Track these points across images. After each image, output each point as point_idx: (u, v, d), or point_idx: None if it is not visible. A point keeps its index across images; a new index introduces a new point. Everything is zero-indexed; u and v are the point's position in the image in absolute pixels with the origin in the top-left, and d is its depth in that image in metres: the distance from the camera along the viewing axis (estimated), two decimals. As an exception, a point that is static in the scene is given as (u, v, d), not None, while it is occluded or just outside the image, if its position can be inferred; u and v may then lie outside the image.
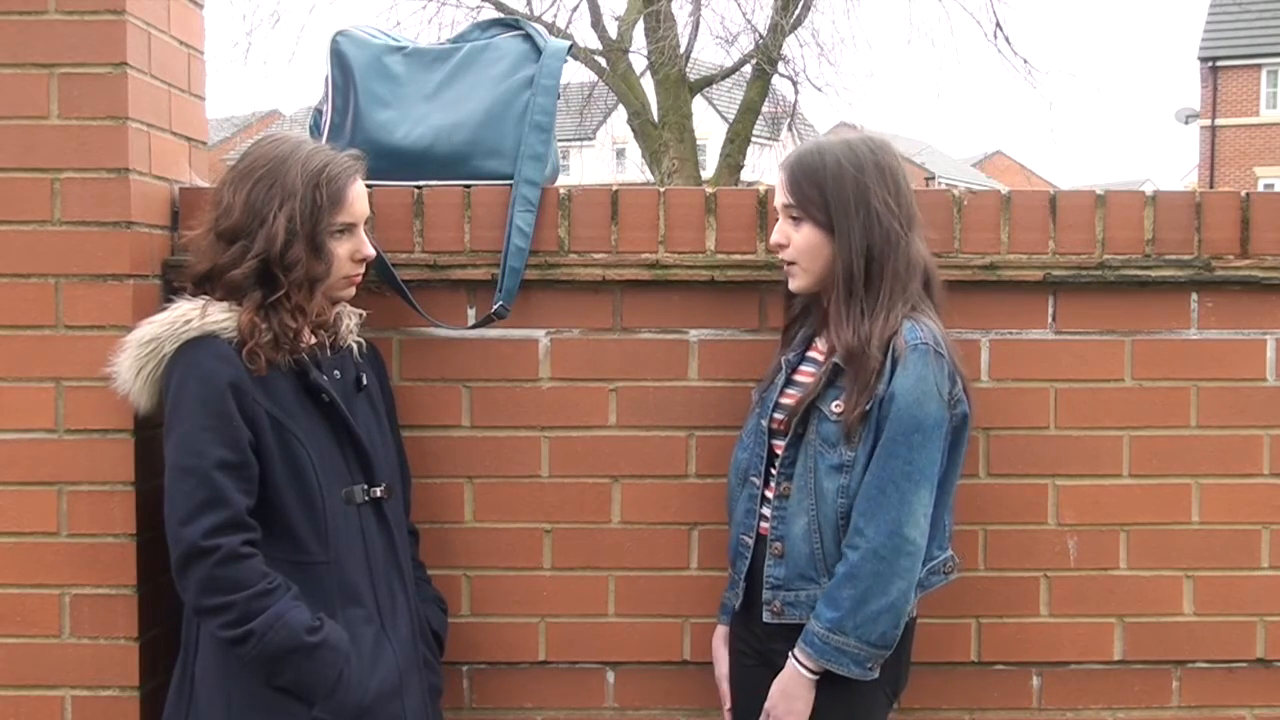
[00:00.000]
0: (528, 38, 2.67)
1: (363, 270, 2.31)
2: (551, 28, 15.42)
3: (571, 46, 2.69)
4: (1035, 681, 2.65)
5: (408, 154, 2.56)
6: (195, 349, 2.11)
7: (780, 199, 2.28)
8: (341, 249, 2.23)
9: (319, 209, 2.18)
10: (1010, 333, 2.59)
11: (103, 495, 2.39)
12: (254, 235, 2.15)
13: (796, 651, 2.17)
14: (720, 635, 2.45)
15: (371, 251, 2.29)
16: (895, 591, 2.11)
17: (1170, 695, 2.65)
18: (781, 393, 2.30)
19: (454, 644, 2.52)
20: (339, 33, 2.66)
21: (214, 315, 2.14)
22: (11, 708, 2.42)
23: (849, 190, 2.19)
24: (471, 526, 2.60)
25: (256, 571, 2.07)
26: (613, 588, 2.61)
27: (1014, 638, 2.62)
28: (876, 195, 2.19)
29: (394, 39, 2.72)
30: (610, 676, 2.64)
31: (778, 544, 2.24)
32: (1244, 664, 2.65)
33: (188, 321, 2.13)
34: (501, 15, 10.16)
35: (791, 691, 2.17)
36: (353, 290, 2.32)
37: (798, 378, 2.31)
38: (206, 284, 2.19)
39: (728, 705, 2.41)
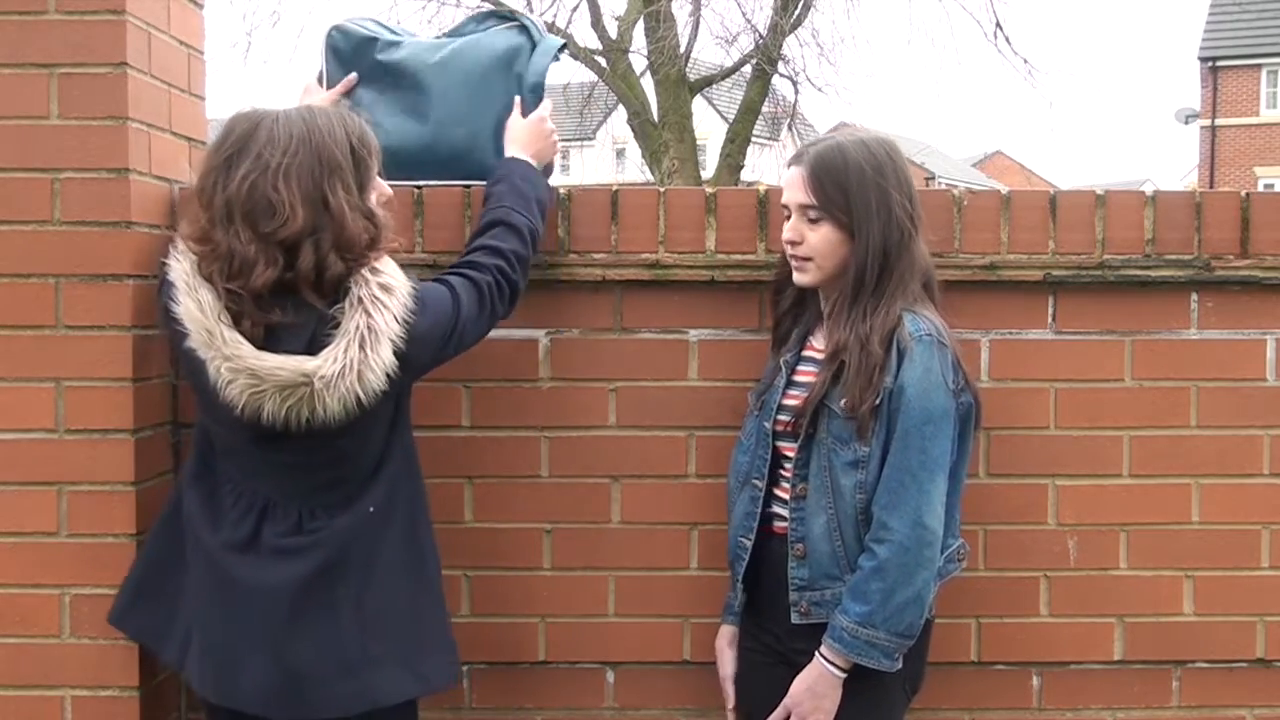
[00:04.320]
0: (523, 29, 2.64)
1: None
2: (551, 27, 15.41)
3: (565, 45, 2.67)
4: (1035, 681, 2.65)
5: (407, 153, 2.55)
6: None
7: (798, 197, 2.23)
8: (375, 200, 2.12)
9: (366, 171, 2.08)
10: (1010, 333, 2.59)
11: (103, 495, 2.39)
12: (322, 230, 2.00)
13: (824, 650, 2.17)
14: (725, 636, 2.45)
15: (389, 189, 2.18)
16: (920, 581, 2.14)
17: (1170, 695, 2.65)
18: (784, 394, 2.30)
19: (454, 644, 2.52)
20: (334, 27, 2.64)
21: None
22: (11, 708, 2.41)
23: (871, 192, 2.19)
24: (471, 526, 2.60)
25: None
26: (613, 588, 2.61)
27: (1014, 638, 2.62)
28: (895, 198, 2.19)
29: (390, 30, 2.70)
30: (610, 676, 2.64)
31: (799, 545, 2.23)
32: (1244, 664, 2.65)
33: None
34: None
35: (819, 690, 2.17)
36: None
37: (798, 378, 2.30)
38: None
39: (731, 705, 2.41)
